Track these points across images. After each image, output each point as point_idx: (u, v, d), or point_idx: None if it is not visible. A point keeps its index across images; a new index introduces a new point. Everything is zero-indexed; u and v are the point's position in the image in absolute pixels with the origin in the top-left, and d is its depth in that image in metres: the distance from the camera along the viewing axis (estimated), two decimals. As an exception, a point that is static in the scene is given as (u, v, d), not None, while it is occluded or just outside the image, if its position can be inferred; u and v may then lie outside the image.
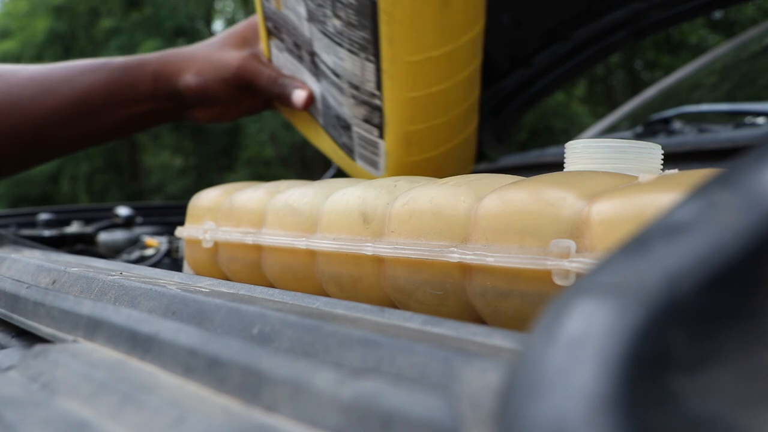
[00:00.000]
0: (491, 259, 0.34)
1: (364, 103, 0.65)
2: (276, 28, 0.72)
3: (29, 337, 0.40)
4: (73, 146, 0.85)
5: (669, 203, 0.18)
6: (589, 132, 1.37)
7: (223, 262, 0.56)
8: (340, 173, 1.06)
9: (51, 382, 0.27)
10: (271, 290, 0.38)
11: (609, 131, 1.27)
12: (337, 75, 0.66)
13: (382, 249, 0.40)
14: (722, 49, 1.42)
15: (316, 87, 0.72)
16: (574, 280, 0.32)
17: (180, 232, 0.61)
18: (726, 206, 0.15)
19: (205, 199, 0.60)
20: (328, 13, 0.61)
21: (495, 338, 0.25)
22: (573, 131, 6.94)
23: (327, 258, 0.45)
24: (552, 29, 1.03)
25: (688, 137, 0.98)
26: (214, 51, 0.79)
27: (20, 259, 0.50)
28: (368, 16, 0.58)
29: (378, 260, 0.41)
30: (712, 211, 0.15)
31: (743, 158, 0.16)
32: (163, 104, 0.81)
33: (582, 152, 0.44)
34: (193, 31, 8.34)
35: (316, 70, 0.70)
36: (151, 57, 0.81)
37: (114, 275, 0.41)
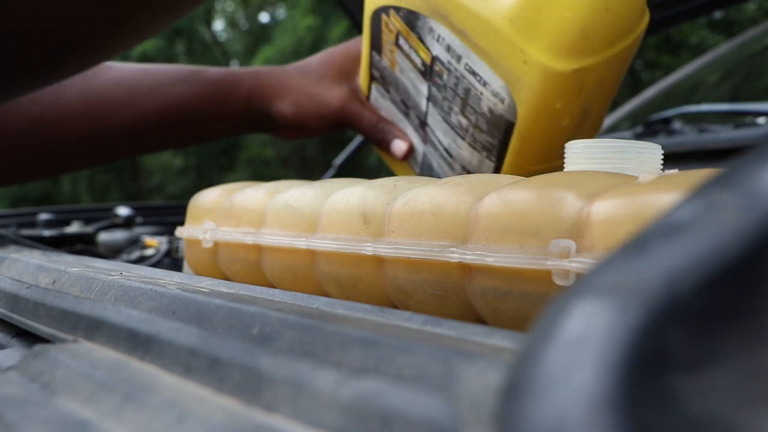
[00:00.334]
0: (491, 259, 0.34)
1: None
2: (383, 79, 0.69)
3: (29, 337, 0.40)
4: (148, 152, 0.83)
5: (669, 203, 0.18)
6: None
7: (223, 262, 0.56)
8: (340, 173, 1.06)
9: (51, 382, 0.27)
10: (271, 290, 0.38)
11: (609, 131, 1.27)
12: (450, 155, 0.64)
13: (382, 249, 0.40)
14: (722, 49, 1.42)
15: (418, 143, 0.69)
16: (574, 280, 0.32)
17: (180, 232, 0.61)
18: (726, 206, 0.15)
19: (205, 199, 0.60)
20: (456, 109, 0.59)
21: (495, 338, 0.25)
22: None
23: (327, 258, 0.45)
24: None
25: (688, 137, 0.98)
26: (312, 83, 0.76)
27: (20, 259, 0.50)
28: (501, 129, 0.57)
29: (378, 260, 0.41)
30: (712, 211, 0.15)
31: (743, 158, 0.16)
32: (251, 123, 0.79)
33: (582, 152, 0.44)
34: (191, 31, 8.33)
35: (423, 135, 0.67)
36: (244, 75, 0.78)
37: (114, 275, 0.41)
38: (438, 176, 0.68)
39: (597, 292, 0.14)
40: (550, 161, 0.59)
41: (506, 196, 0.35)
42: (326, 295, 0.45)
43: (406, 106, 0.67)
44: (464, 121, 0.60)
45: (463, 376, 0.19)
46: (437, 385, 0.19)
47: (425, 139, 0.67)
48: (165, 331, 0.28)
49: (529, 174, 0.46)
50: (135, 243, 0.97)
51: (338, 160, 1.07)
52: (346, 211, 0.44)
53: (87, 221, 1.05)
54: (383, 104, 0.71)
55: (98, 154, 0.80)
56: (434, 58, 0.58)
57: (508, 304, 0.34)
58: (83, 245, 0.97)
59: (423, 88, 0.62)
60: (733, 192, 0.15)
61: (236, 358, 0.24)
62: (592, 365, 0.13)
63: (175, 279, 0.44)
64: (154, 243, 0.89)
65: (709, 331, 0.14)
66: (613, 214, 0.31)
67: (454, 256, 0.36)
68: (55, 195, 8.32)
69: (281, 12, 9.16)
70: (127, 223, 1.03)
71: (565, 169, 0.45)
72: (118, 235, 0.98)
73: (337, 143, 4.63)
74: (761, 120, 0.99)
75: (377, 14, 0.63)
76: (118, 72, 0.78)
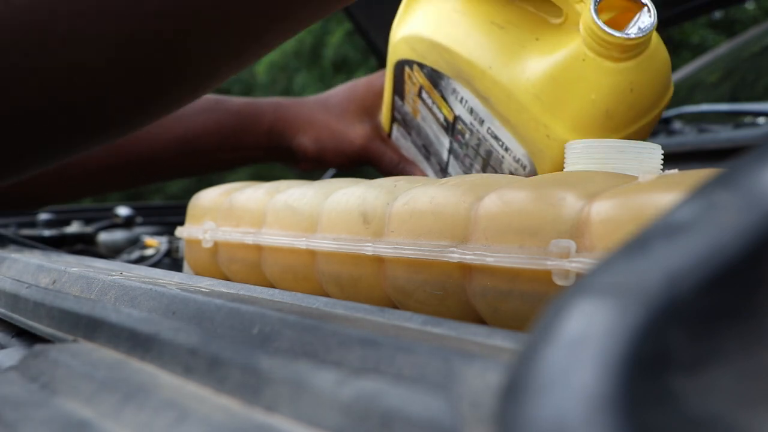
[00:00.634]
0: (491, 259, 0.34)
1: None
2: (405, 123, 0.68)
3: (29, 337, 0.40)
4: (167, 179, 0.83)
5: (669, 203, 0.18)
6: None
7: (223, 262, 0.56)
8: (340, 173, 1.06)
9: (51, 382, 0.27)
10: (271, 290, 0.38)
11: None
12: None
13: (382, 249, 0.40)
14: (722, 48, 1.42)
15: None
16: (574, 280, 0.32)
17: (180, 232, 0.61)
18: (726, 206, 0.15)
19: (205, 199, 0.60)
20: (477, 167, 0.59)
21: (495, 338, 0.25)
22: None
23: (327, 258, 0.45)
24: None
25: (688, 137, 0.98)
26: (334, 119, 0.75)
27: (20, 259, 0.50)
28: None
29: (378, 260, 0.41)
30: (712, 211, 0.15)
31: (743, 158, 0.16)
32: (271, 155, 0.79)
33: (582, 152, 0.44)
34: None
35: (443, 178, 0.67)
36: (265, 106, 0.78)
37: (114, 275, 0.41)
38: None
39: (597, 292, 0.14)
40: None
41: (506, 196, 0.35)
42: (326, 295, 0.45)
43: (427, 151, 0.66)
44: None
45: (463, 376, 0.19)
46: (437, 385, 0.19)
47: None
48: (165, 331, 0.28)
49: None
50: (135, 243, 0.97)
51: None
52: (346, 211, 0.44)
53: (87, 221, 1.05)
54: (404, 144, 0.70)
55: (118, 181, 0.80)
56: (456, 117, 0.57)
57: (508, 304, 0.34)
58: (83, 245, 0.97)
59: (445, 141, 0.61)
60: (733, 192, 0.15)
61: (236, 358, 0.24)
62: (592, 365, 0.13)
63: (175, 279, 0.44)
64: (154, 243, 0.89)
65: (709, 331, 0.14)
66: (613, 214, 0.31)
67: (454, 256, 0.36)
68: (55, 195, 8.30)
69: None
70: (127, 223, 1.03)
71: (565, 169, 0.45)
72: (118, 235, 0.98)
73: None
74: (761, 120, 0.99)
75: (400, 65, 0.61)
76: None
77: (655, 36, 0.47)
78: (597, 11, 0.45)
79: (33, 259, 0.50)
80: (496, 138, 0.54)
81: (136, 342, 0.29)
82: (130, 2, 0.28)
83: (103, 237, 0.98)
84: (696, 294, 0.14)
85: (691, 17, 1.11)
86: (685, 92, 1.36)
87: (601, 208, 0.31)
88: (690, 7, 1.04)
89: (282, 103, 0.79)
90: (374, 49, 1.21)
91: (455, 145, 0.60)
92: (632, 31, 0.45)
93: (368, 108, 0.75)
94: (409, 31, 0.58)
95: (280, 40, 0.33)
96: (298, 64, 6.39)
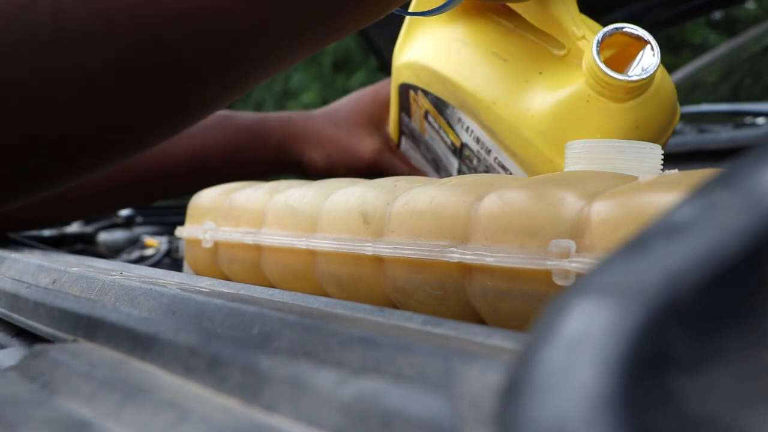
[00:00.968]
0: (491, 259, 0.34)
1: None
2: (413, 137, 0.67)
3: (29, 337, 0.40)
4: (176, 195, 0.82)
5: (669, 203, 0.18)
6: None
7: (223, 262, 0.56)
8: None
9: (51, 382, 0.27)
10: (271, 290, 0.38)
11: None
12: None
13: (382, 249, 0.40)
14: (723, 48, 1.42)
15: None
16: (574, 280, 0.32)
17: (180, 232, 0.61)
18: (726, 206, 0.15)
19: (205, 199, 0.60)
20: None
21: (495, 338, 0.25)
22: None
23: (327, 258, 0.45)
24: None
25: (688, 137, 0.98)
26: (344, 134, 0.75)
27: (20, 259, 0.50)
28: None
29: (378, 260, 0.41)
30: (712, 211, 0.15)
31: (743, 158, 0.16)
32: (281, 169, 0.79)
33: (582, 152, 0.44)
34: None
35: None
36: (274, 121, 0.78)
37: (114, 275, 0.41)
38: None
39: (597, 292, 0.14)
40: None
41: (506, 196, 0.35)
42: (326, 295, 0.45)
43: (437, 165, 0.65)
44: None
45: (463, 376, 0.19)
46: (437, 385, 0.19)
47: None
48: (165, 331, 0.28)
49: None
50: (135, 243, 0.97)
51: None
52: (346, 211, 0.44)
53: (87, 221, 1.05)
54: (413, 155, 0.70)
55: (129, 199, 0.80)
56: (463, 145, 0.57)
57: (508, 304, 0.34)
58: (83, 245, 0.97)
59: (454, 162, 0.60)
60: (733, 192, 0.15)
61: (236, 358, 0.24)
62: (592, 365, 0.13)
63: (175, 279, 0.44)
64: (154, 243, 0.89)
65: (709, 331, 0.14)
66: (613, 214, 0.31)
67: (454, 256, 0.36)
68: (55, 195, 8.30)
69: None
70: (127, 223, 1.03)
71: (565, 169, 0.45)
72: (118, 235, 0.98)
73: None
74: (761, 120, 0.99)
75: (405, 87, 0.60)
76: None
77: (660, 68, 0.46)
78: (599, 53, 0.44)
79: (33, 258, 0.50)
80: (503, 168, 0.54)
81: (136, 342, 0.29)
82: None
83: (103, 237, 0.98)
84: (696, 294, 0.14)
85: (691, 17, 1.11)
86: (685, 92, 1.36)
87: (601, 208, 0.32)
88: (690, 7, 1.04)
89: (291, 117, 0.78)
90: (374, 49, 1.21)
91: (464, 168, 0.59)
92: (635, 72, 0.44)
93: (376, 120, 0.75)
94: (411, 56, 0.57)
95: (264, 79, 0.32)
96: (297, 63, 6.38)
